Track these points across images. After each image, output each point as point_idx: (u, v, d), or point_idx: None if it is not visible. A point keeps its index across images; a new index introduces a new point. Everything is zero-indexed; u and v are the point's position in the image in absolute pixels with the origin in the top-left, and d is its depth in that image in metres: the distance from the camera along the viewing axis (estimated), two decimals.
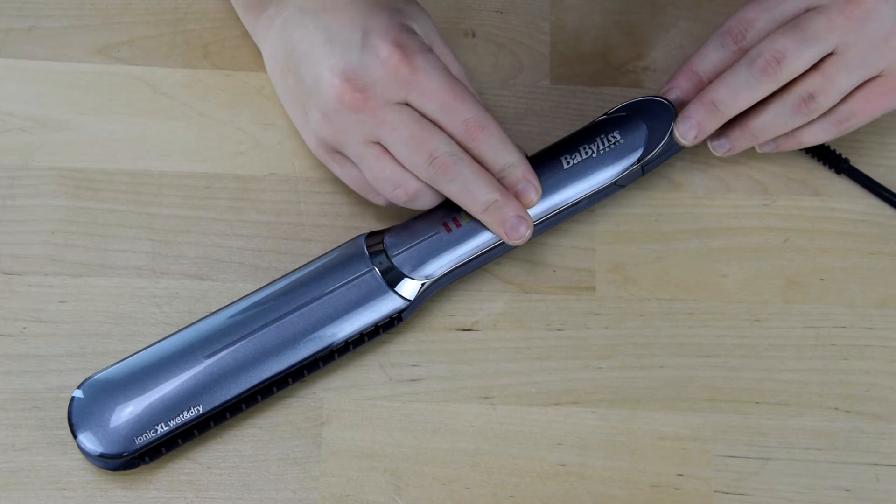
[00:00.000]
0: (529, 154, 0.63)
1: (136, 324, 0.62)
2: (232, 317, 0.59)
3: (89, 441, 0.56)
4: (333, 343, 0.59)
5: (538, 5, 0.72)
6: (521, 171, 0.59)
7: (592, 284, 0.64)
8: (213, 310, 0.60)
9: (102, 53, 0.69)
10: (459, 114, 0.58)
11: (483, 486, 0.60)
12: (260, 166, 0.66)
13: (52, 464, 0.59)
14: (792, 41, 0.60)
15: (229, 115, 0.67)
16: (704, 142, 0.64)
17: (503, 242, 0.60)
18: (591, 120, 0.64)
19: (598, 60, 0.70)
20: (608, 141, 0.63)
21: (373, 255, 0.60)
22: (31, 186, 0.65)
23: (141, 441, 0.56)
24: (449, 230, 0.61)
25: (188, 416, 0.57)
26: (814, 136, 0.64)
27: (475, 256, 0.61)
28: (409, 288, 0.60)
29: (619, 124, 0.63)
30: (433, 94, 0.58)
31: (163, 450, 0.58)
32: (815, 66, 0.60)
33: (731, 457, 0.61)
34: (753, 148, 0.67)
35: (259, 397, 0.59)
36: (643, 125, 0.63)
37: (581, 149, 0.62)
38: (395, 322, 0.61)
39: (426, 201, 0.60)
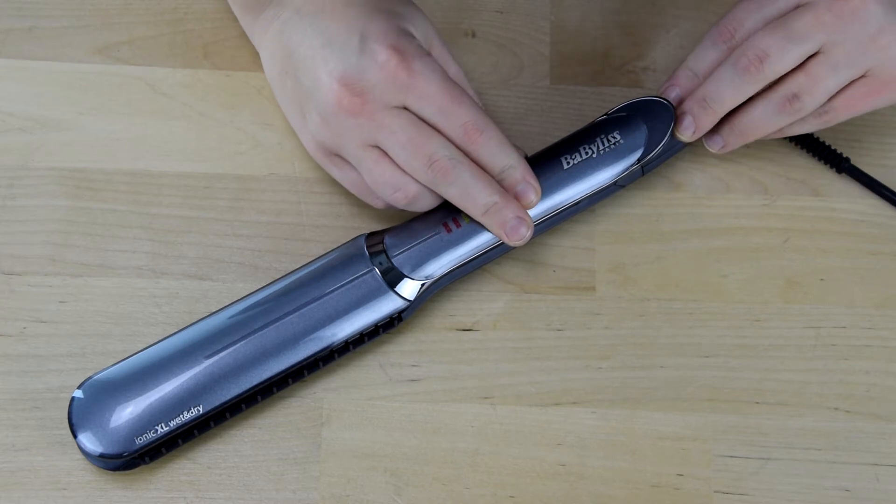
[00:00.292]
0: (529, 154, 0.63)
1: (136, 324, 0.62)
2: (232, 317, 0.59)
3: (89, 441, 0.56)
4: (333, 343, 0.59)
5: (538, 5, 0.72)
6: (520, 173, 0.59)
7: (592, 284, 0.64)
8: (213, 310, 0.60)
9: (102, 53, 0.69)
10: (458, 117, 0.58)
11: (483, 486, 0.60)
12: (260, 166, 0.66)
13: (52, 464, 0.59)
14: (776, 40, 0.60)
15: (229, 115, 0.67)
16: (703, 141, 0.65)
17: (503, 243, 0.60)
18: (591, 120, 0.64)
19: (598, 60, 0.70)
20: (608, 141, 0.63)
21: (373, 255, 0.60)
22: (31, 186, 0.65)
23: (141, 441, 0.56)
24: (449, 230, 0.61)
25: (188, 416, 0.57)
26: (795, 129, 0.64)
27: (475, 257, 0.61)
28: (409, 288, 0.60)
29: (619, 124, 0.63)
30: (431, 97, 0.58)
31: (163, 450, 0.58)
32: (800, 66, 0.60)
33: (731, 457, 0.61)
34: (753, 148, 0.67)
35: (259, 397, 0.59)
36: (643, 125, 0.63)
37: (581, 149, 0.63)
38: (395, 322, 0.61)
39: (425, 204, 0.60)
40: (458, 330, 0.63)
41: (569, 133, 0.64)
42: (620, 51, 0.71)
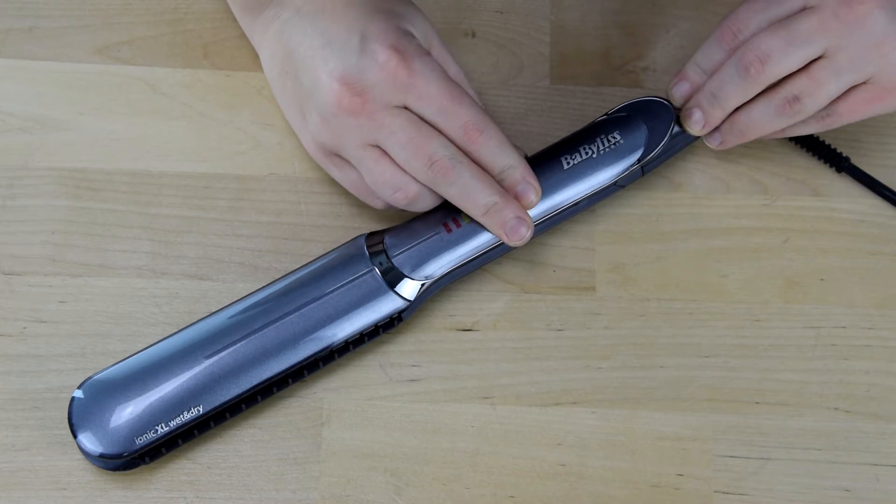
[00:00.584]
0: (529, 154, 0.63)
1: (136, 324, 0.62)
2: (232, 317, 0.59)
3: (89, 441, 0.56)
4: (333, 343, 0.59)
5: (538, 5, 0.72)
6: (520, 173, 0.59)
7: (592, 284, 0.64)
8: (213, 310, 0.60)
9: (102, 53, 0.69)
10: (458, 117, 0.58)
11: (483, 486, 0.60)
12: (260, 166, 0.66)
13: (52, 464, 0.59)
14: (779, 42, 0.59)
15: (229, 115, 0.67)
16: (704, 141, 0.65)
17: (504, 243, 0.60)
18: (592, 120, 0.64)
19: (598, 60, 0.70)
20: (608, 141, 0.63)
21: (373, 255, 0.60)
22: (31, 186, 0.65)
23: (141, 441, 0.56)
24: (449, 230, 0.61)
25: (188, 416, 0.57)
26: (796, 130, 0.64)
27: (475, 257, 0.61)
28: (409, 288, 0.60)
29: (619, 124, 0.63)
30: (431, 97, 0.58)
31: (163, 450, 0.58)
32: (803, 68, 0.60)
33: (731, 457, 0.61)
34: (753, 148, 0.67)
35: (259, 397, 0.59)
36: (643, 125, 0.63)
37: (581, 149, 0.63)
38: (395, 322, 0.61)
39: (425, 204, 0.60)
40: (458, 330, 0.63)
41: (569, 133, 0.64)
42: (620, 51, 0.71)
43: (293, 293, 0.59)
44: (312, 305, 0.59)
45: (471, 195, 0.59)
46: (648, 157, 0.63)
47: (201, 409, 0.57)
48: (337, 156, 0.61)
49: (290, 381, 0.60)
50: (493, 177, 0.59)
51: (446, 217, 0.61)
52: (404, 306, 0.60)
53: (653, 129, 0.63)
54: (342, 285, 0.59)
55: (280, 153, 0.67)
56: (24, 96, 0.67)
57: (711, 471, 0.60)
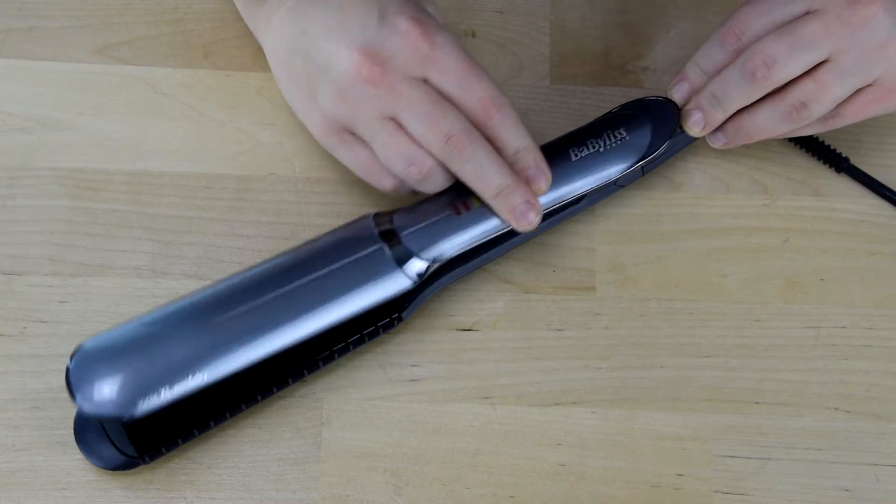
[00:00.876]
0: None
1: None
2: (238, 285, 0.58)
3: (89, 401, 0.54)
4: (339, 319, 0.57)
5: (538, 5, 0.72)
6: (532, 157, 0.59)
7: (592, 284, 0.64)
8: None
9: (102, 53, 0.69)
10: (476, 91, 0.58)
11: (483, 486, 0.60)
12: (260, 166, 0.66)
13: (52, 464, 0.59)
14: (784, 46, 0.59)
15: (229, 115, 0.67)
16: (705, 140, 0.65)
17: (511, 230, 0.60)
18: (597, 116, 0.64)
19: (598, 60, 0.70)
20: (615, 137, 0.62)
21: (381, 233, 0.60)
22: (31, 186, 0.65)
23: (144, 405, 0.54)
24: (458, 213, 0.60)
25: (193, 382, 0.55)
26: (799, 131, 0.64)
27: (483, 241, 0.60)
28: (416, 268, 0.59)
29: (625, 121, 0.63)
30: (451, 70, 0.58)
31: (163, 450, 0.58)
32: (808, 72, 0.60)
33: (731, 457, 0.61)
34: (754, 148, 0.67)
35: (259, 397, 0.59)
36: (649, 123, 0.63)
37: (588, 143, 0.62)
38: (395, 322, 0.61)
39: (437, 182, 0.59)
40: (458, 330, 0.63)
41: (574, 128, 0.64)
42: (620, 51, 0.71)
43: (300, 266, 0.58)
44: (320, 279, 0.58)
45: (484, 174, 0.58)
46: (653, 156, 0.63)
47: (206, 377, 0.55)
48: (348, 133, 0.60)
49: (290, 380, 0.60)
50: (505, 158, 0.59)
51: (455, 199, 0.60)
52: (411, 286, 0.59)
53: (657, 128, 0.63)
54: (350, 261, 0.58)
55: (280, 153, 0.67)
56: (24, 96, 0.67)
57: (711, 471, 0.60)
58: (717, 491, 0.60)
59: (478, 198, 0.60)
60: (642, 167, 0.63)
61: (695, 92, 0.63)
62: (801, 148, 0.68)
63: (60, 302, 0.62)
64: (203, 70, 0.69)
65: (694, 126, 0.63)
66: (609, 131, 0.63)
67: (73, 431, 0.59)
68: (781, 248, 0.66)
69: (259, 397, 0.59)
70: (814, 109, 0.61)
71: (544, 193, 0.60)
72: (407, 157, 0.58)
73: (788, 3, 0.61)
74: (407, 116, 0.58)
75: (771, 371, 0.63)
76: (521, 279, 0.64)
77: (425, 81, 0.58)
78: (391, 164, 0.59)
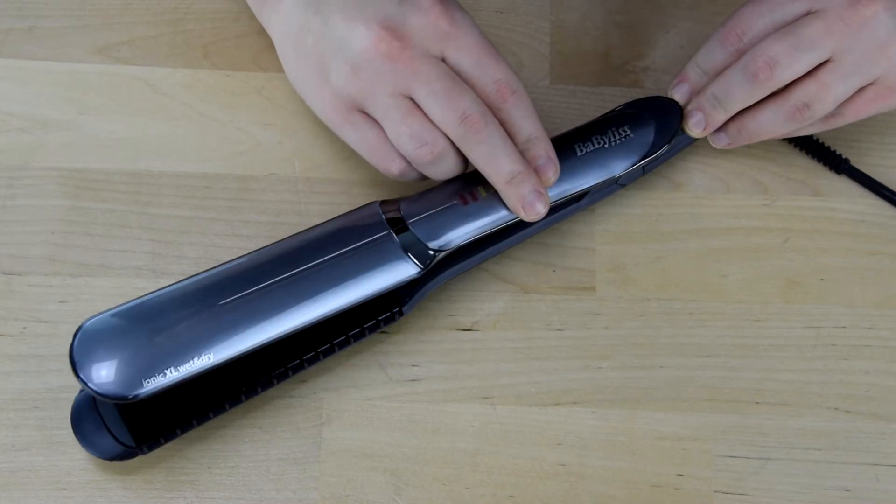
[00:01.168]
0: None
1: None
2: (245, 268, 0.57)
3: (93, 378, 0.53)
4: (345, 305, 0.57)
5: (538, 5, 0.72)
6: (543, 147, 0.59)
7: (592, 284, 0.64)
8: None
9: (102, 53, 0.69)
10: (493, 72, 0.58)
11: (483, 486, 0.60)
12: (260, 166, 0.66)
13: (52, 464, 0.59)
14: (786, 47, 0.59)
15: (229, 115, 0.67)
16: (705, 139, 0.65)
17: (518, 221, 0.60)
18: (606, 112, 0.64)
19: (598, 60, 0.70)
20: (619, 134, 0.63)
21: (388, 221, 0.59)
22: (31, 186, 0.65)
23: (149, 384, 0.54)
24: (465, 202, 0.60)
25: (199, 363, 0.54)
26: (801, 131, 0.64)
27: (490, 232, 0.60)
28: (423, 255, 0.59)
29: (629, 119, 0.63)
30: (470, 49, 0.58)
31: (161, 440, 0.58)
32: (810, 73, 0.60)
33: (731, 457, 0.61)
34: (754, 148, 0.67)
35: (259, 388, 0.59)
36: (653, 122, 0.63)
37: (594, 138, 0.62)
38: (396, 316, 0.61)
39: (446, 166, 0.59)
40: (458, 330, 0.63)
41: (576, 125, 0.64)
42: (620, 51, 0.71)
43: (308, 250, 0.58)
44: (327, 264, 0.57)
45: (497, 159, 0.58)
46: (655, 155, 0.63)
47: (211, 358, 0.55)
48: (358, 112, 0.60)
49: (290, 372, 0.59)
50: (516, 144, 0.58)
51: (463, 189, 0.60)
52: (417, 274, 0.58)
53: (661, 127, 0.63)
54: (357, 247, 0.58)
55: (280, 153, 0.67)
56: (24, 96, 0.67)
57: (711, 471, 0.60)
58: (717, 491, 0.60)
59: (485, 188, 0.60)
60: (644, 166, 0.63)
61: (695, 92, 0.63)
62: (801, 150, 0.68)
63: (60, 302, 0.62)
64: (203, 70, 0.69)
65: (695, 127, 0.63)
66: (614, 128, 0.63)
67: (70, 423, 0.58)
68: (781, 248, 0.66)
69: (259, 388, 0.59)
70: (816, 110, 0.61)
71: (552, 184, 0.60)
72: (419, 137, 0.58)
73: (789, 3, 0.61)
74: (423, 94, 0.57)
75: (771, 371, 0.63)
76: (521, 279, 0.64)
77: (443, 60, 0.58)
78: (402, 144, 0.58)
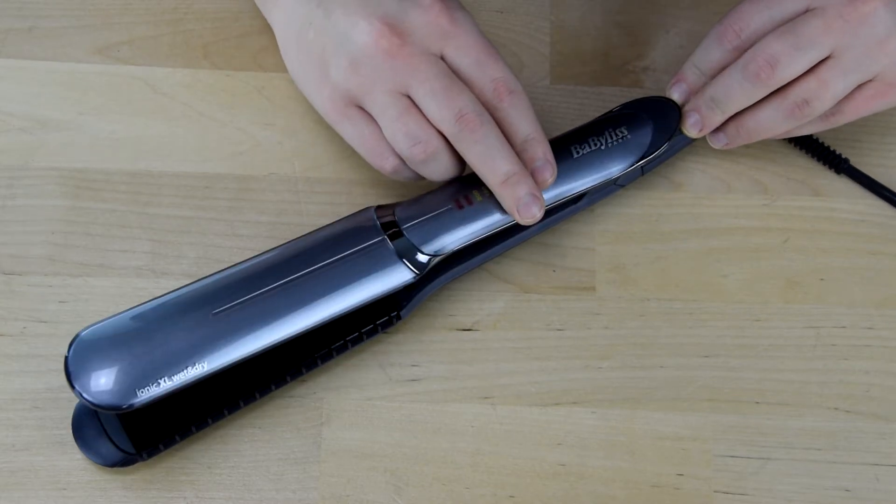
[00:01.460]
0: None
1: None
2: (239, 276, 0.57)
3: (88, 389, 0.54)
4: (340, 311, 0.57)
5: (538, 5, 0.72)
6: (541, 149, 0.59)
7: (592, 284, 0.64)
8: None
9: (102, 53, 0.69)
10: (492, 71, 0.58)
11: (483, 486, 0.60)
12: (260, 166, 0.66)
13: (52, 464, 0.59)
14: (786, 46, 0.59)
15: (229, 115, 0.67)
16: (705, 139, 0.65)
17: (513, 225, 0.60)
18: (603, 113, 0.64)
19: (598, 60, 0.70)
20: (616, 135, 0.62)
21: (382, 226, 0.59)
22: (31, 186, 0.65)
23: (143, 394, 0.54)
24: (460, 207, 0.60)
25: (192, 372, 0.55)
26: (801, 130, 0.64)
27: (485, 235, 0.60)
28: (418, 261, 0.59)
29: (627, 120, 0.63)
30: (469, 48, 0.58)
31: (160, 447, 0.58)
32: (810, 70, 0.60)
33: (731, 457, 0.61)
34: (754, 148, 0.67)
35: (257, 394, 0.59)
36: (650, 123, 0.63)
37: (590, 140, 0.62)
38: (394, 320, 0.61)
39: (440, 166, 0.59)
40: (458, 330, 0.63)
41: (575, 126, 0.64)
42: (620, 51, 0.71)
43: (302, 257, 0.58)
44: (321, 271, 0.57)
45: (493, 159, 0.57)
46: (653, 155, 0.63)
47: (205, 367, 0.55)
48: (356, 108, 0.60)
49: (288, 378, 0.60)
50: (514, 145, 0.58)
51: (458, 193, 0.60)
52: (412, 279, 0.58)
53: (659, 127, 0.63)
54: (352, 253, 0.58)
55: (280, 153, 0.67)
56: (24, 96, 0.67)
57: (711, 471, 0.60)
58: (717, 491, 0.60)
59: (480, 192, 0.60)
60: (642, 166, 0.63)
61: (693, 92, 0.63)
62: (801, 150, 0.68)
63: (60, 302, 0.62)
64: (203, 70, 0.69)
65: (692, 128, 0.63)
66: (611, 130, 0.63)
67: (71, 429, 0.59)
68: (781, 248, 0.66)
69: (257, 395, 0.59)
70: (816, 107, 0.61)
71: (549, 186, 0.59)
72: (413, 136, 0.58)
73: (788, 1, 0.61)
74: (421, 92, 0.57)
75: (771, 371, 0.63)
76: (521, 279, 0.64)
77: (441, 59, 0.58)
78: (397, 142, 0.58)
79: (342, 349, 0.60)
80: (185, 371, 0.55)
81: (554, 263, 0.65)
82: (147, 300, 0.57)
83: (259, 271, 0.58)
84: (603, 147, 0.62)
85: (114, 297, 0.62)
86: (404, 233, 0.59)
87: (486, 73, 0.58)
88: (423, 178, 0.61)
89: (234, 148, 0.67)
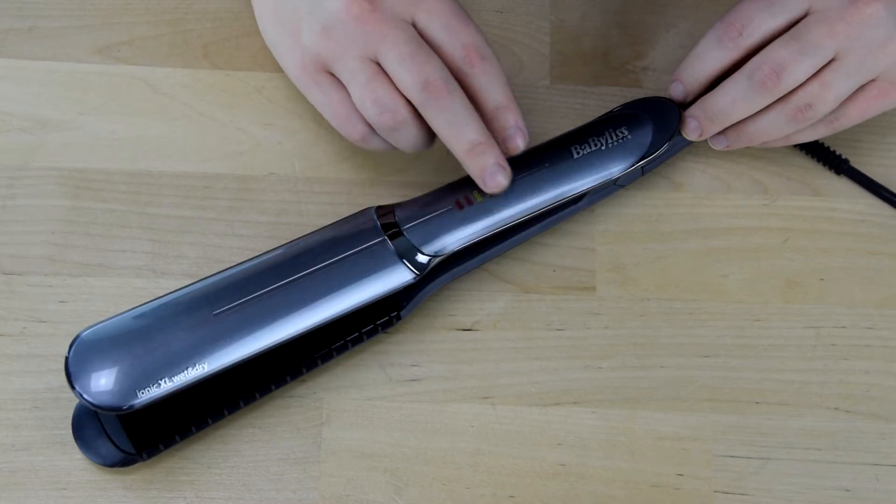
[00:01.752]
0: (536, 143, 0.62)
1: None
2: (239, 276, 0.57)
3: (88, 390, 0.54)
4: (340, 311, 0.57)
5: (538, 5, 0.72)
6: (513, 116, 0.58)
7: (592, 284, 0.64)
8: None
9: (102, 53, 0.69)
10: (462, 36, 0.58)
11: (483, 486, 0.60)
12: (260, 166, 0.66)
13: (52, 464, 0.59)
14: (791, 53, 0.59)
15: (229, 115, 0.67)
16: (706, 140, 0.65)
17: (514, 225, 0.60)
18: (603, 113, 0.64)
19: (598, 60, 0.70)
20: (617, 135, 0.62)
21: (383, 226, 0.59)
22: (31, 186, 0.65)
23: (143, 395, 0.54)
24: (461, 207, 0.60)
25: (193, 373, 0.55)
26: (805, 136, 0.64)
27: (485, 237, 0.60)
28: (418, 261, 0.59)
29: (627, 120, 0.63)
30: (440, 13, 0.58)
31: (160, 447, 0.58)
32: (813, 74, 0.60)
33: (731, 457, 0.61)
34: (754, 148, 0.67)
35: (257, 394, 0.59)
36: (650, 123, 0.63)
37: (591, 140, 0.62)
38: (394, 320, 0.61)
39: (408, 135, 0.59)
40: (458, 330, 0.63)
41: (576, 126, 0.64)
42: (620, 51, 0.71)
43: (302, 258, 0.58)
44: (322, 272, 0.57)
45: (459, 127, 0.57)
46: (653, 156, 0.63)
47: (206, 368, 0.55)
48: (326, 73, 0.60)
49: (288, 378, 0.60)
50: (485, 112, 0.58)
51: (458, 194, 0.60)
52: (413, 280, 0.58)
53: (659, 127, 0.63)
54: (352, 253, 0.58)
55: (280, 153, 0.67)
56: (24, 96, 0.67)
57: (711, 471, 0.60)
58: (717, 491, 0.60)
59: (480, 192, 0.60)
60: (643, 167, 0.63)
61: (692, 94, 0.63)
62: (801, 150, 0.68)
63: (60, 302, 0.62)
64: (203, 70, 0.69)
65: (691, 133, 0.63)
66: (611, 130, 0.63)
67: (71, 429, 0.59)
68: (781, 248, 0.66)
69: (257, 395, 0.59)
70: (819, 109, 0.61)
71: (521, 152, 0.59)
72: (382, 103, 0.57)
73: (789, 1, 0.61)
74: (390, 57, 0.57)
75: (771, 371, 0.63)
76: (521, 279, 0.64)
77: (413, 25, 0.58)
78: (365, 108, 0.58)
79: (342, 349, 0.60)
80: (185, 372, 0.55)
81: (554, 263, 0.65)
82: (147, 300, 0.57)
83: (259, 272, 0.58)
84: (603, 147, 0.62)
85: (114, 297, 0.62)
86: (404, 233, 0.59)
87: (457, 37, 0.58)
88: (394, 148, 0.61)
89: (233, 148, 0.67)
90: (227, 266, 0.58)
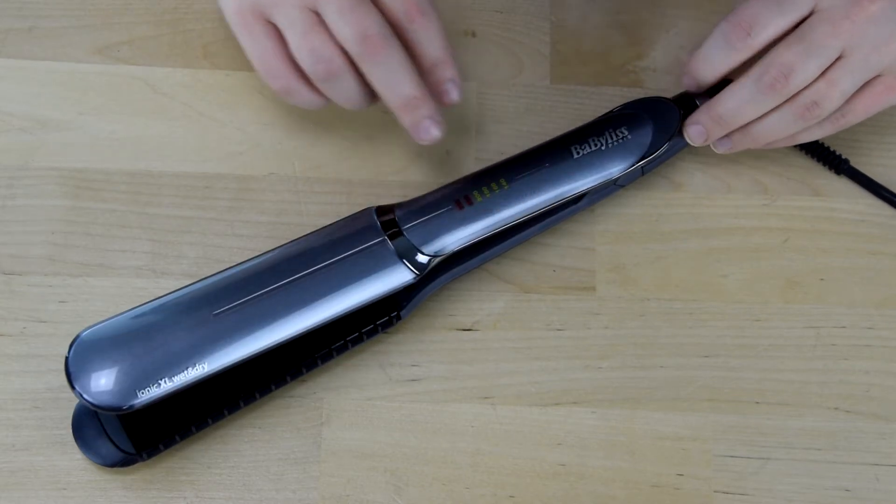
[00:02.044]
0: (534, 145, 0.63)
1: None
2: (239, 277, 0.57)
3: (88, 390, 0.54)
4: (341, 311, 0.57)
5: (538, 5, 0.72)
6: (449, 70, 0.59)
7: (592, 284, 0.64)
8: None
9: (102, 53, 0.69)
10: None
11: (483, 486, 0.60)
12: (260, 166, 0.66)
13: (52, 464, 0.59)
14: (797, 54, 0.59)
15: (229, 115, 0.67)
16: (711, 146, 0.65)
17: (514, 225, 0.60)
18: (603, 113, 0.64)
19: (598, 60, 0.70)
20: (617, 135, 0.62)
21: (383, 226, 0.59)
22: (31, 186, 0.65)
23: (143, 395, 0.54)
24: (460, 207, 0.60)
25: (193, 373, 0.55)
26: (810, 135, 0.64)
27: (485, 237, 0.60)
28: (418, 261, 0.59)
29: (627, 120, 0.63)
30: None
31: (160, 447, 0.58)
32: (820, 73, 0.60)
33: (731, 457, 0.61)
34: (754, 147, 0.67)
35: (257, 394, 0.59)
36: (650, 123, 0.63)
37: (591, 140, 0.62)
38: (394, 320, 0.61)
39: (343, 88, 0.58)
40: (458, 330, 0.63)
41: (575, 127, 0.64)
42: (620, 51, 0.71)
43: (302, 258, 0.58)
44: (322, 272, 0.57)
45: (394, 82, 0.57)
46: (653, 156, 0.63)
47: (206, 368, 0.55)
48: (262, 20, 0.59)
49: (288, 378, 0.60)
50: (422, 67, 0.58)
51: (458, 194, 0.60)
52: (413, 280, 0.58)
53: (659, 128, 0.63)
54: (352, 253, 0.58)
55: (280, 153, 0.67)
56: (24, 96, 0.67)
57: (711, 471, 0.60)
58: (717, 491, 0.60)
59: (480, 192, 0.60)
60: (643, 167, 0.63)
61: (701, 87, 0.63)
62: (801, 150, 0.68)
63: (60, 302, 0.62)
64: (203, 70, 0.69)
65: (696, 138, 0.63)
66: (611, 130, 0.63)
67: (71, 429, 0.59)
68: (781, 248, 0.66)
69: (257, 395, 0.59)
70: (825, 107, 0.60)
71: (456, 104, 0.59)
72: (318, 53, 0.57)
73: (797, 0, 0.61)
74: (330, 9, 0.57)
75: (771, 371, 0.63)
76: (521, 279, 0.64)
77: None
78: (302, 58, 0.58)
79: (342, 349, 0.60)
80: (185, 372, 0.55)
81: (554, 263, 0.65)
82: (147, 300, 0.57)
83: (259, 272, 0.58)
84: (603, 147, 0.62)
85: (114, 297, 0.62)
86: (404, 233, 0.59)
87: None
88: (321, 105, 0.60)
89: (233, 148, 0.67)
90: (227, 266, 0.58)
